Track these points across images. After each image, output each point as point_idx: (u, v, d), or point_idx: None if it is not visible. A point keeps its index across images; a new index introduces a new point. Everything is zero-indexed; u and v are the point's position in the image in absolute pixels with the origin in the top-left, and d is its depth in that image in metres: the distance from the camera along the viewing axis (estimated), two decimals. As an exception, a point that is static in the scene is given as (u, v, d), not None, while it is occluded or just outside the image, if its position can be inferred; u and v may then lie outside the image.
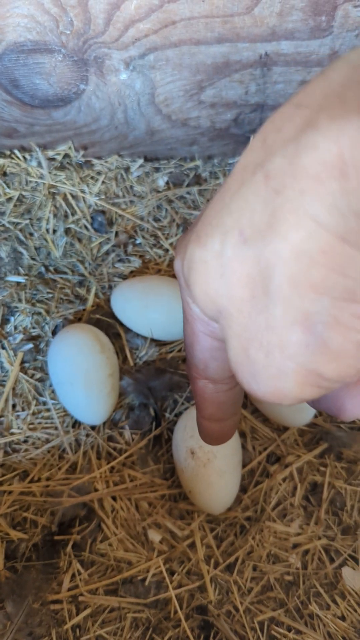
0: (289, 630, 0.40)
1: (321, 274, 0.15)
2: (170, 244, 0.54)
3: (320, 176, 0.14)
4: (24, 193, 0.55)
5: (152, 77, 0.47)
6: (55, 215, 0.54)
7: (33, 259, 0.53)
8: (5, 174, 0.55)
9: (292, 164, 0.15)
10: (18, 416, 0.47)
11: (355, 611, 0.41)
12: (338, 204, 0.14)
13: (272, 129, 0.16)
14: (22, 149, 0.55)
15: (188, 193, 0.56)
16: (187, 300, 0.20)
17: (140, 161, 0.56)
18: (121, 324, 0.50)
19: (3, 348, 0.49)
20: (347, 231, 0.14)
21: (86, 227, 0.54)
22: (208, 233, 0.18)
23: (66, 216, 0.55)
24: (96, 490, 0.44)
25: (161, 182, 0.56)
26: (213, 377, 0.22)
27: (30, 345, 0.49)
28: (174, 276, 0.53)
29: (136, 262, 0.53)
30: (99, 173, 0.56)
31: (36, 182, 0.55)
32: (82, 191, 0.55)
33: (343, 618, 0.41)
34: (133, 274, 0.53)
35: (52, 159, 0.55)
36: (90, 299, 0.51)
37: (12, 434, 0.46)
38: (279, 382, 0.17)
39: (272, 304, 0.16)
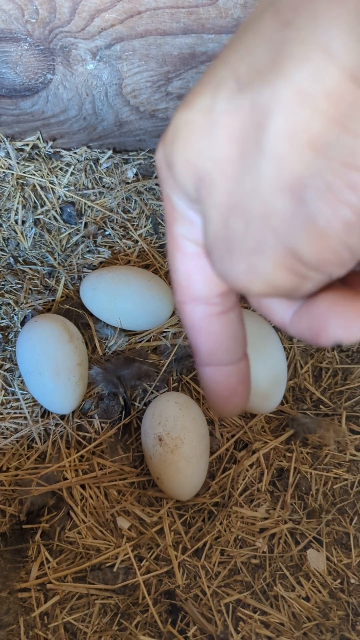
0: (255, 612, 0.41)
1: (322, 126, 0.13)
2: (140, 235, 0.54)
3: None
4: (-8, 184, 0.54)
5: (119, 68, 0.47)
6: (24, 207, 0.54)
7: (2, 250, 0.53)
8: (-27, 164, 0.55)
9: None
10: (-14, 406, 0.46)
11: (320, 592, 0.42)
12: (357, 27, 0.12)
13: None
14: (-10, 139, 0.55)
15: (157, 184, 0.57)
16: (167, 194, 0.18)
17: (109, 153, 0.57)
18: (90, 314, 0.50)
19: (-29, 339, 0.49)
20: None
21: (55, 219, 0.54)
22: (197, 91, 0.15)
23: (35, 207, 0.54)
24: (65, 479, 0.44)
25: (130, 173, 0.57)
26: (200, 295, 0.19)
27: (-1, 336, 0.49)
28: (143, 267, 0.53)
29: (105, 253, 0.53)
30: (68, 164, 0.56)
31: (4, 172, 0.55)
32: (51, 182, 0.55)
33: (307, 599, 0.41)
34: (102, 264, 0.53)
35: (20, 150, 0.55)
36: (60, 289, 0.51)
37: (-20, 424, 0.46)
38: (254, 257, 0.15)
39: (262, 162, 0.14)
